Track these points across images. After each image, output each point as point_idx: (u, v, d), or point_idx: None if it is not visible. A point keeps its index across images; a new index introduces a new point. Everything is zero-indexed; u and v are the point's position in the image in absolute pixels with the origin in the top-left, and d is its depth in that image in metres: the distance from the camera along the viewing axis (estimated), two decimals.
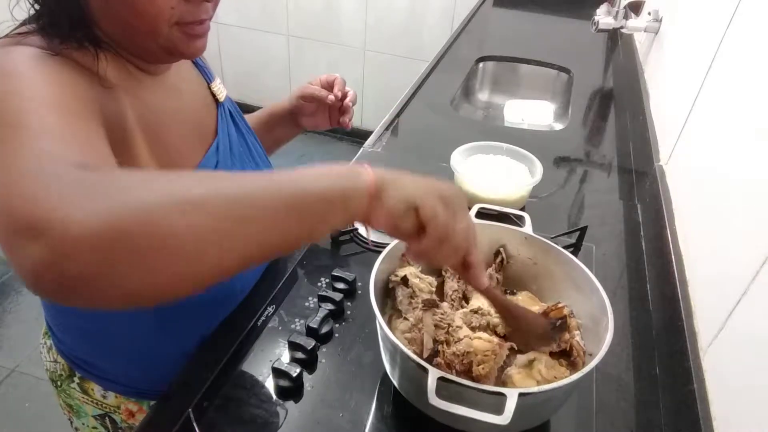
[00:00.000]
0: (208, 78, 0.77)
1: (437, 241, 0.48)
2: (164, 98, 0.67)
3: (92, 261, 0.34)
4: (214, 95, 0.77)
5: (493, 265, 0.75)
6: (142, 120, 0.61)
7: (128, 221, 0.35)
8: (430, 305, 0.66)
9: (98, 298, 0.36)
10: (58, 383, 0.83)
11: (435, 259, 0.50)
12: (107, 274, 0.34)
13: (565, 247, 0.72)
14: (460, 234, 0.49)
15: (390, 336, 0.56)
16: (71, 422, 0.88)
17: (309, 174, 0.44)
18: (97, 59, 0.57)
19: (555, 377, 0.60)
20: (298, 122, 0.95)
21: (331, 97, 0.87)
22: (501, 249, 0.75)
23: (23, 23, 0.57)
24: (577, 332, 0.65)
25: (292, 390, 0.68)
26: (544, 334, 0.63)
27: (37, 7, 0.56)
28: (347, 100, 0.89)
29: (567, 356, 0.64)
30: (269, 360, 0.71)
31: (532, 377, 0.60)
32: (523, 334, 0.64)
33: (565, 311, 0.65)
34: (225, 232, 0.38)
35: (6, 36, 0.56)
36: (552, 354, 0.65)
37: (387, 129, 1.32)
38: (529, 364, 0.62)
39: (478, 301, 0.68)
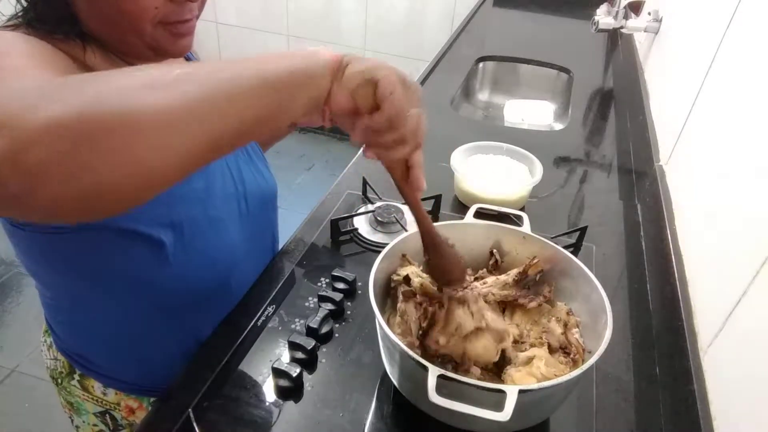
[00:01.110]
0: None
1: (388, 121, 0.47)
2: None
3: (57, 145, 0.32)
4: None
5: (488, 265, 0.75)
6: None
7: (96, 104, 0.34)
8: (409, 296, 0.65)
9: (62, 190, 0.34)
10: (59, 381, 0.83)
11: (383, 141, 0.49)
12: (74, 158, 0.33)
13: (565, 247, 0.72)
14: (413, 120, 0.48)
15: (390, 335, 0.57)
16: (72, 420, 0.88)
17: (275, 56, 0.45)
18: (84, 51, 0.58)
19: (555, 374, 0.60)
20: None
21: None
22: (494, 251, 0.75)
23: (10, 18, 0.57)
24: (576, 330, 0.66)
25: (292, 390, 0.68)
26: (457, 276, 0.63)
27: (24, 3, 0.57)
28: None
29: (566, 354, 0.64)
30: (269, 360, 0.71)
31: (532, 375, 0.61)
32: (439, 271, 0.63)
33: (543, 266, 0.68)
34: (195, 109, 0.37)
35: None
36: (551, 351, 0.65)
37: None
38: (529, 361, 0.62)
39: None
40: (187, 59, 0.77)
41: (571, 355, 0.64)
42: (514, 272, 0.70)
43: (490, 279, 0.71)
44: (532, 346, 0.66)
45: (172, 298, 0.72)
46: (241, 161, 0.79)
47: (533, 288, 0.70)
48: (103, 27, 0.59)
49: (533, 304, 0.69)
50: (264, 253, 0.88)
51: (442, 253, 0.61)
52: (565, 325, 0.67)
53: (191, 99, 0.37)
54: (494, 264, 0.75)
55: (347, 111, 0.48)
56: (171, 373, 0.70)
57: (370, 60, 0.48)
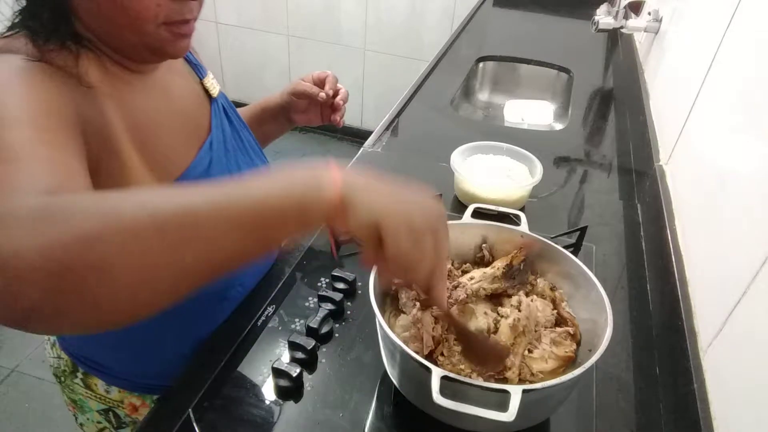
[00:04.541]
0: (200, 73, 0.77)
1: (399, 268, 0.45)
2: (152, 98, 0.67)
3: (39, 295, 0.35)
4: (207, 90, 0.77)
5: (474, 257, 0.76)
6: (129, 123, 0.61)
7: (69, 255, 0.35)
8: (427, 305, 0.66)
9: (52, 327, 0.38)
10: (62, 379, 0.83)
11: (400, 277, 0.49)
12: (54, 307, 0.36)
13: (565, 247, 0.72)
14: (425, 263, 0.45)
15: (391, 336, 0.57)
16: (76, 418, 0.88)
17: (264, 184, 0.42)
18: (78, 58, 0.57)
19: (565, 352, 0.62)
20: (290, 118, 0.95)
21: (322, 94, 0.87)
22: (483, 245, 0.75)
23: (11, 27, 0.57)
24: (564, 303, 0.68)
25: (292, 390, 0.68)
26: (495, 359, 0.60)
27: (23, 1, 0.57)
28: (338, 98, 0.89)
29: (564, 327, 0.66)
30: (269, 360, 0.71)
31: (545, 358, 0.61)
32: (476, 357, 0.60)
33: (526, 253, 0.70)
34: (168, 258, 0.38)
35: None
36: (548, 327, 0.66)
37: (387, 129, 1.32)
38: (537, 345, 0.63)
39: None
40: (186, 59, 0.77)
41: (569, 330, 0.65)
42: (499, 264, 0.70)
43: (477, 273, 0.70)
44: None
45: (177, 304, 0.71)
46: (241, 162, 0.78)
47: (518, 277, 0.70)
48: (102, 24, 0.58)
49: (521, 293, 0.69)
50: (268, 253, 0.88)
51: (473, 343, 0.60)
52: (553, 301, 0.68)
53: (171, 249, 0.38)
54: (481, 257, 0.75)
55: (349, 238, 0.50)
56: (172, 371, 0.70)
57: (374, 191, 0.44)
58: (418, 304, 0.66)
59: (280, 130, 0.99)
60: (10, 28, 0.57)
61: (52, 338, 0.82)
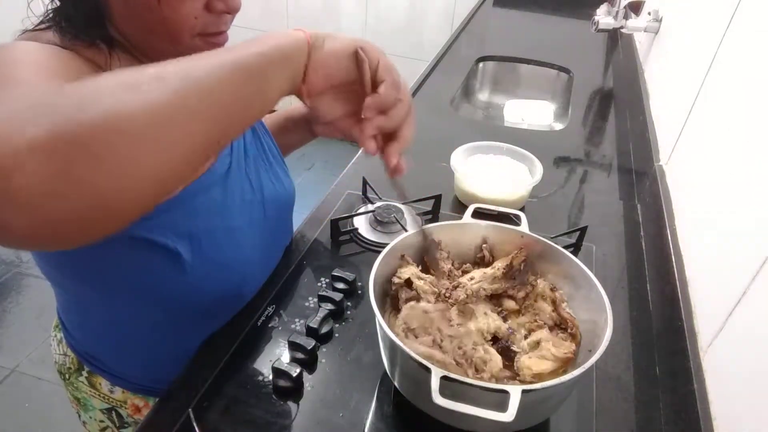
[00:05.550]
0: None
1: (390, 72, 0.52)
2: None
3: (43, 166, 0.30)
4: None
5: (475, 257, 0.76)
6: None
7: (78, 118, 0.32)
8: (410, 299, 0.66)
9: (58, 213, 0.32)
10: (66, 376, 0.83)
11: (392, 99, 0.53)
12: (64, 176, 0.31)
13: (565, 247, 0.72)
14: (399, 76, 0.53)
15: (390, 335, 0.57)
16: (79, 416, 0.89)
17: (250, 42, 0.46)
18: (110, 57, 0.57)
19: (565, 354, 0.62)
20: (312, 129, 0.94)
21: None
22: (483, 245, 0.75)
23: (41, 22, 0.57)
24: (565, 303, 0.68)
25: (292, 390, 0.68)
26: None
27: (57, 2, 0.57)
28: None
29: (563, 329, 0.66)
30: (269, 360, 0.71)
31: (545, 358, 0.61)
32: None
33: (527, 254, 0.71)
34: (178, 104, 0.37)
35: (24, 32, 0.57)
36: (551, 328, 0.66)
37: None
38: (536, 346, 0.63)
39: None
40: None
41: (569, 330, 0.65)
42: (500, 264, 0.70)
43: (477, 273, 0.71)
44: (531, 330, 0.66)
45: (186, 307, 0.71)
46: (261, 168, 0.78)
47: (519, 277, 0.70)
48: (137, 31, 0.59)
49: (521, 294, 0.69)
50: (277, 260, 0.88)
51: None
52: (554, 302, 0.68)
53: (172, 95, 0.37)
54: (481, 258, 0.75)
55: (323, 88, 0.52)
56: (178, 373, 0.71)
57: (343, 35, 0.52)
58: (403, 301, 0.65)
59: (301, 141, 0.98)
60: (38, 24, 0.57)
61: (59, 335, 0.82)
